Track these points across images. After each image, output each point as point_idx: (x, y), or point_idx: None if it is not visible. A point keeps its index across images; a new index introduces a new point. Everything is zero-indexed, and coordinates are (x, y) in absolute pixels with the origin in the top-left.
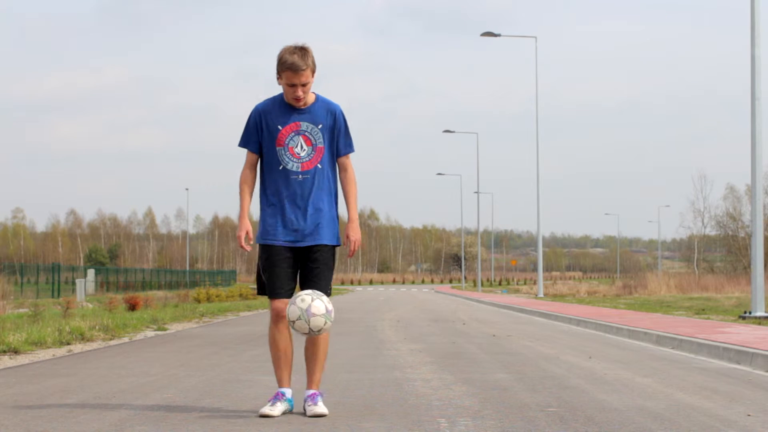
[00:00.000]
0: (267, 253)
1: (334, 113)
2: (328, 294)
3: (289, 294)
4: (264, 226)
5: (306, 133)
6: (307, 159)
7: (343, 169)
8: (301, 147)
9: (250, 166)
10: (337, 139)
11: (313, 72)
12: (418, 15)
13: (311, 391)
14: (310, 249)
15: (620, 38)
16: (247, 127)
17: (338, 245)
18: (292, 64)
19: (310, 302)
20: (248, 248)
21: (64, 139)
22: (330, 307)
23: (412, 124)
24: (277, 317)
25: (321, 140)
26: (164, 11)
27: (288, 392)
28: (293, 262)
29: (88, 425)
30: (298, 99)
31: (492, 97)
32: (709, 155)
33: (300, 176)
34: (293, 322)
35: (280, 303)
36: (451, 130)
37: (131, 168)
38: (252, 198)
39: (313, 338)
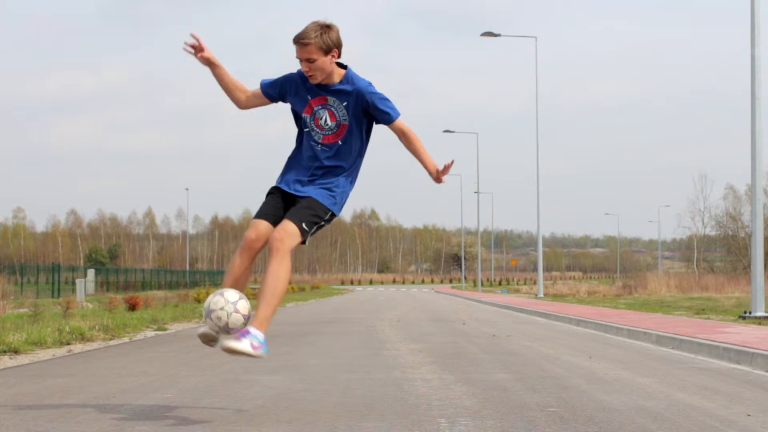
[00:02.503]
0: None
1: (358, 90)
2: (301, 230)
3: (271, 220)
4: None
5: (332, 108)
6: (330, 133)
7: (401, 134)
8: (326, 121)
9: (251, 94)
10: (376, 113)
11: (327, 51)
12: (418, 15)
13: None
14: (297, 198)
15: (620, 38)
16: (280, 77)
17: (329, 209)
18: (299, 35)
19: (238, 299)
20: (189, 50)
21: (64, 139)
22: (246, 316)
23: (413, 123)
24: (244, 246)
25: (345, 117)
26: (165, 11)
27: None
28: (284, 199)
29: (88, 425)
30: (306, 74)
31: (492, 97)
32: (709, 155)
33: (319, 146)
34: (212, 311)
35: (252, 232)
36: (451, 130)
37: (131, 168)
38: (229, 80)
39: (267, 265)
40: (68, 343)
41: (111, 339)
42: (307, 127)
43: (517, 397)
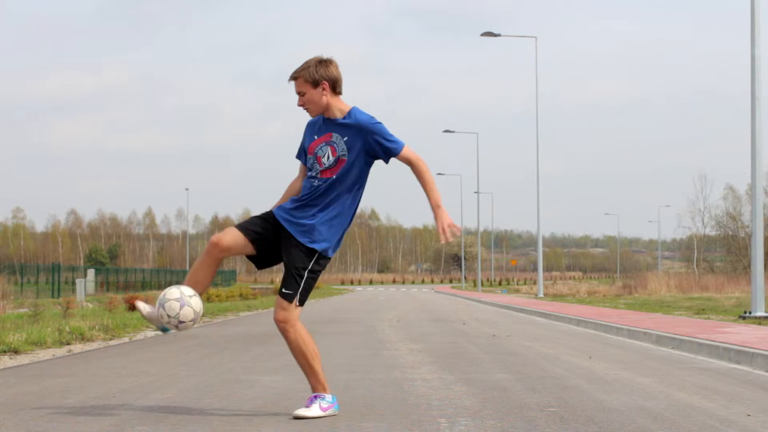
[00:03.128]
0: None
1: (359, 124)
2: (289, 296)
3: (251, 235)
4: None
5: (334, 144)
6: (328, 168)
7: (409, 163)
8: (327, 157)
9: (300, 175)
10: (379, 146)
11: (314, 83)
12: (418, 15)
13: (311, 395)
14: (284, 234)
15: (620, 38)
16: (302, 140)
17: (314, 250)
18: (291, 72)
19: (193, 294)
20: None
21: (64, 139)
22: (197, 313)
23: (413, 124)
24: (213, 243)
25: (344, 152)
26: (165, 11)
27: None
28: (273, 226)
29: (88, 425)
30: (302, 108)
31: (492, 97)
32: (709, 155)
33: (316, 181)
34: (167, 301)
35: (225, 234)
36: (451, 130)
37: (131, 168)
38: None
39: (291, 348)
40: (68, 343)
41: (111, 339)
42: (310, 169)
43: (517, 397)
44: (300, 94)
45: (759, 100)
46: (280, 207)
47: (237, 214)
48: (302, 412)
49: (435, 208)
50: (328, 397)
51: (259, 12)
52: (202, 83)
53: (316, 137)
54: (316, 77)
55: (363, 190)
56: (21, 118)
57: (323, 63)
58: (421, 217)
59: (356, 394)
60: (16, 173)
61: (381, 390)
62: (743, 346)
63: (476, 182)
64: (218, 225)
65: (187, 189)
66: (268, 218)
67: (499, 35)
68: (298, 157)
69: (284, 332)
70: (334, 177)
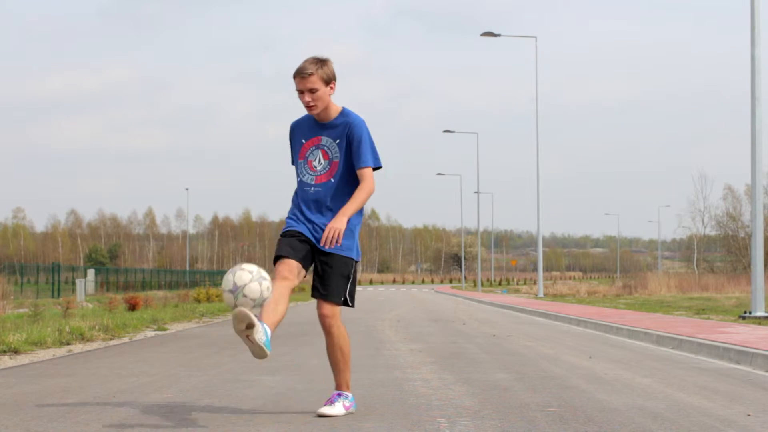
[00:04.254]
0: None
1: (350, 126)
2: (340, 303)
3: (296, 257)
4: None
5: (325, 147)
6: (322, 173)
7: (360, 179)
8: (319, 161)
9: None
10: (350, 151)
11: (327, 82)
12: (418, 15)
13: (333, 392)
14: (322, 257)
15: (620, 38)
16: (290, 145)
17: (356, 259)
18: (300, 68)
19: (248, 282)
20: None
21: (64, 139)
22: (266, 294)
23: (413, 124)
24: (278, 276)
25: (337, 155)
26: (165, 12)
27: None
28: (306, 242)
29: (88, 425)
30: (308, 105)
31: (492, 97)
32: (709, 155)
33: (312, 189)
34: (242, 286)
35: (280, 264)
36: (451, 130)
37: (132, 168)
38: None
39: (326, 342)
40: (68, 343)
41: (111, 339)
42: (299, 177)
43: (517, 397)
44: (312, 91)
45: (759, 100)
46: (295, 226)
47: (237, 214)
48: (327, 410)
49: (341, 213)
50: (350, 395)
51: (259, 12)
52: (202, 83)
53: (304, 141)
54: (330, 75)
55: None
56: (21, 118)
57: (329, 62)
58: (421, 217)
59: (356, 394)
60: (16, 173)
61: (381, 390)
62: (743, 346)
63: (476, 182)
64: (218, 225)
65: (187, 189)
66: (298, 235)
67: (499, 35)
68: (292, 162)
69: (329, 327)
70: (332, 180)
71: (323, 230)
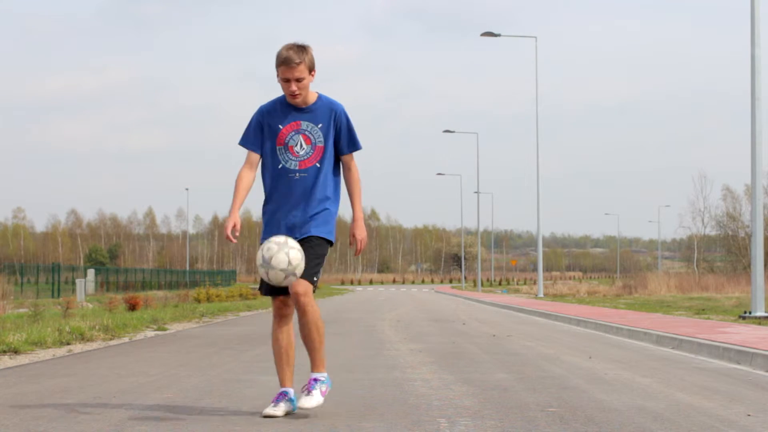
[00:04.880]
0: None
1: (334, 112)
2: (313, 283)
3: (288, 291)
4: (264, 226)
5: (306, 132)
6: (306, 158)
7: (347, 168)
8: (301, 146)
9: (250, 165)
10: (339, 137)
11: (311, 70)
12: (419, 16)
13: (311, 376)
14: (300, 241)
15: (620, 38)
16: (249, 127)
17: (330, 241)
18: (286, 58)
19: (275, 253)
20: (234, 240)
21: (64, 139)
22: (296, 262)
23: (413, 124)
24: (278, 315)
25: (321, 139)
26: (165, 12)
27: (290, 392)
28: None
29: (88, 425)
30: (293, 94)
31: (492, 97)
32: (709, 155)
33: (297, 174)
34: (258, 266)
35: (278, 301)
36: (451, 130)
37: (132, 168)
38: (247, 195)
39: (300, 322)
40: (68, 343)
41: (111, 339)
42: (280, 163)
43: (517, 397)
44: (299, 80)
45: (759, 100)
46: (275, 233)
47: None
48: (306, 403)
49: (358, 220)
50: (323, 376)
51: (259, 12)
52: (202, 83)
53: (281, 126)
54: (312, 62)
55: (340, 176)
56: (21, 118)
57: (310, 48)
58: (421, 217)
59: (356, 394)
60: (16, 173)
61: (381, 390)
62: (743, 346)
63: (476, 182)
64: (218, 225)
65: (187, 189)
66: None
67: (499, 35)
68: (245, 144)
69: (305, 305)
70: (318, 165)
71: (300, 229)
